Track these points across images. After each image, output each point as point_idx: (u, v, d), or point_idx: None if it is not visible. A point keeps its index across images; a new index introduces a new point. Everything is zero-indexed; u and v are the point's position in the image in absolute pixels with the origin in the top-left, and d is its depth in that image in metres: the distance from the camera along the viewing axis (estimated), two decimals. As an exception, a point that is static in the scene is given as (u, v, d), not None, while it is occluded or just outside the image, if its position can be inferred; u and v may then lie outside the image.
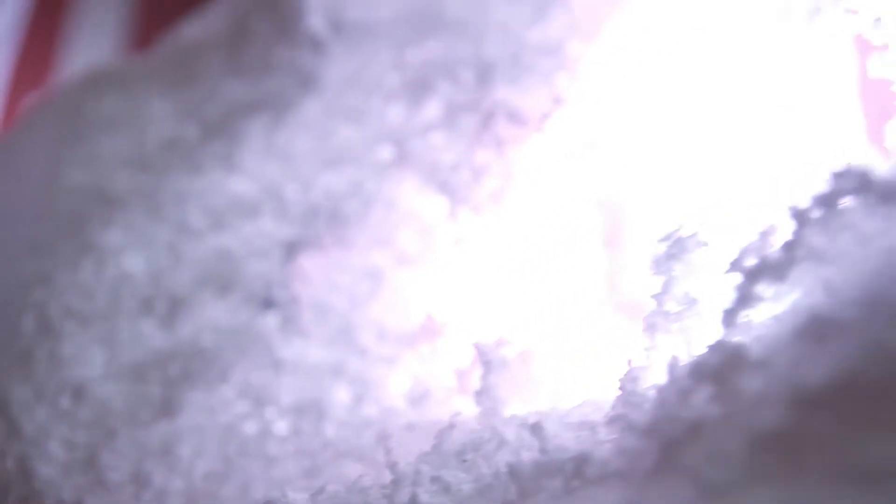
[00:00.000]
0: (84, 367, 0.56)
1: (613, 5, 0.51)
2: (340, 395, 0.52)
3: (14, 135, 0.70)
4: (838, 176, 0.29)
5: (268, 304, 0.56)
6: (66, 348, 0.57)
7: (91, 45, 1.37)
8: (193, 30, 0.68)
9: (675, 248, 0.36)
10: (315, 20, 0.56)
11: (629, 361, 0.36)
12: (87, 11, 1.39)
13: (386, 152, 0.56)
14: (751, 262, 0.31)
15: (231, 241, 0.58)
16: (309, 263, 0.56)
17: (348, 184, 0.57)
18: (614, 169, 0.50)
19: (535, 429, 0.35)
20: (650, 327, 0.37)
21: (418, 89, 0.56)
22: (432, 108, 0.55)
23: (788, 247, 0.30)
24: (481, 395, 0.43)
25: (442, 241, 0.52)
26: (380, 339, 0.53)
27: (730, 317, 0.31)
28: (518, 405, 0.44)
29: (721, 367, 0.29)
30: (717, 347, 0.30)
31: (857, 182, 0.29)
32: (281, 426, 0.51)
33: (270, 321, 0.54)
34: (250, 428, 0.51)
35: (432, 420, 0.48)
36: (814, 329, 0.28)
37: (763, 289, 0.31)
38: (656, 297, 0.36)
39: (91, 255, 0.59)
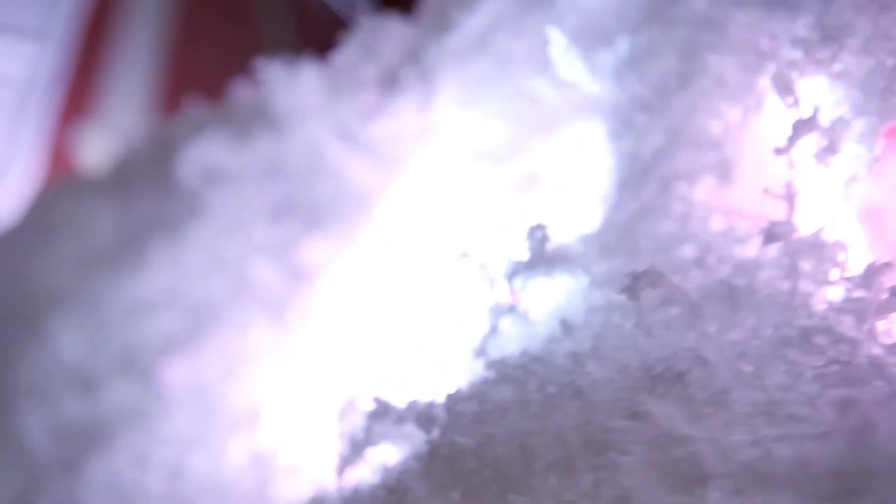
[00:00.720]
0: (27, 430, 0.75)
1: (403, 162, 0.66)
2: (198, 462, 0.69)
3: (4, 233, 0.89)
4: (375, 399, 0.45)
5: (154, 382, 0.73)
6: (16, 414, 0.76)
7: (128, 79, 1.54)
8: (138, 146, 0.86)
9: (348, 409, 0.52)
10: (190, 172, 0.72)
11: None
12: (123, 53, 1.55)
13: (248, 269, 0.72)
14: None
15: (136, 334, 0.75)
16: (186, 352, 0.73)
17: (222, 290, 0.74)
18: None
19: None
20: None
21: (272, 222, 0.72)
22: (277, 237, 0.71)
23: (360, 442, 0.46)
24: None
25: (273, 345, 0.69)
26: (230, 415, 0.70)
27: (337, 473, 0.47)
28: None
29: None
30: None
31: (380, 406, 0.45)
32: (155, 487, 0.69)
33: (153, 398, 0.72)
34: (131, 488, 0.69)
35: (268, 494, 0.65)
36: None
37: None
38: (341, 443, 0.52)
39: (35, 340, 0.78)
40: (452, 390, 0.43)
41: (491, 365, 0.43)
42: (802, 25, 0.41)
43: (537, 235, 0.43)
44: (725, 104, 0.47)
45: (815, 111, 0.40)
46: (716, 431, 0.35)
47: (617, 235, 0.46)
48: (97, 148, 1.38)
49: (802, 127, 0.39)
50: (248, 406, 0.68)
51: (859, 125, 0.41)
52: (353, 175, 0.65)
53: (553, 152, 0.54)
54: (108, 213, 0.83)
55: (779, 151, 0.40)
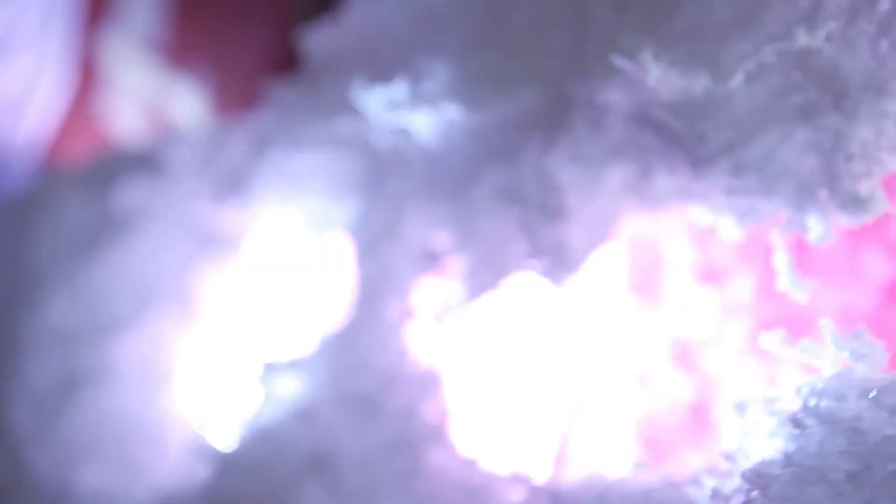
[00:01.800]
0: (33, 376, 1.04)
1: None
2: (136, 412, 0.98)
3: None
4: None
5: (109, 349, 1.01)
6: (25, 362, 1.05)
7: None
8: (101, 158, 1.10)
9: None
10: (126, 194, 0.97)
11: None
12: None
13: (168, 272, 0.98)
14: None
15: (98, 309, 1.03)
16: (131, 328, 1.00)
17: (154, 284, 1.00)
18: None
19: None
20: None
21: (182, 243, 0.97)
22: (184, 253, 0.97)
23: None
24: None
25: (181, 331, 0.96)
26: (158, 378, 0.98)
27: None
28: None
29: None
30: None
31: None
32: (110, 430, 0.98)
33: (107, 369, 1.00)
34: (95, 431, 0.98)
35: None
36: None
37: None
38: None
39: (33, 303, 1.06)
40: (223, 449, 0.70)
41: (256, 434, 0.70)
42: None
43: (277, 343, 0.69)
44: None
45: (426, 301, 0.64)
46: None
47: (342, 341, 0.71)
48: (120, 52, 1.58)
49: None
50: (168, 372, 0.96)
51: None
52: (224, 223, 0.89)
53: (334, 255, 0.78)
54: (85, 203, 1.09)
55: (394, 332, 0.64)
